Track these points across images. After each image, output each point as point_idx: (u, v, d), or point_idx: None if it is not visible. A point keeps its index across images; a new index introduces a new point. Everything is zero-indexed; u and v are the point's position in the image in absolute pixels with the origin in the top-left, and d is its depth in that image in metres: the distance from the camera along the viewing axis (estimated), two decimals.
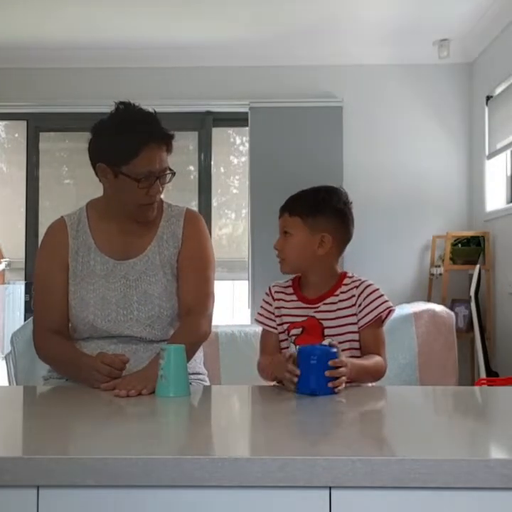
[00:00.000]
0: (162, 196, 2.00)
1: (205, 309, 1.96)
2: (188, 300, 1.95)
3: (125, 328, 1.92)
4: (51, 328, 1.95)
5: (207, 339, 1.98)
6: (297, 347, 1.79)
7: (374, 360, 1.80)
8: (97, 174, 1.95)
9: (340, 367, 1.63)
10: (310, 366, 1.62)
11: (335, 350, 1.68)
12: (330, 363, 1.62)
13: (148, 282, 1.95)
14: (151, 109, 1.93)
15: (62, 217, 2.05)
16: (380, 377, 1.81)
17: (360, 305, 1.85)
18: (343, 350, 1.81)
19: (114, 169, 1.88)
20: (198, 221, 2.06)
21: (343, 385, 1.63)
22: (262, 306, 1.97)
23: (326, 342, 1.80)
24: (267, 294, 1.97)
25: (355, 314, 1.85)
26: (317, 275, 1.89)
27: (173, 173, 1.93)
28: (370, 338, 1.85)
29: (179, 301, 1.97)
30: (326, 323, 1.84)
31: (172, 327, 1.96)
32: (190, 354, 1.83)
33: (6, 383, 3.67)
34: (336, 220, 1.87)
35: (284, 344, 1.92)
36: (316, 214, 1.85)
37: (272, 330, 1.93)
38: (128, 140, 1.85)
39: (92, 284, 1.94)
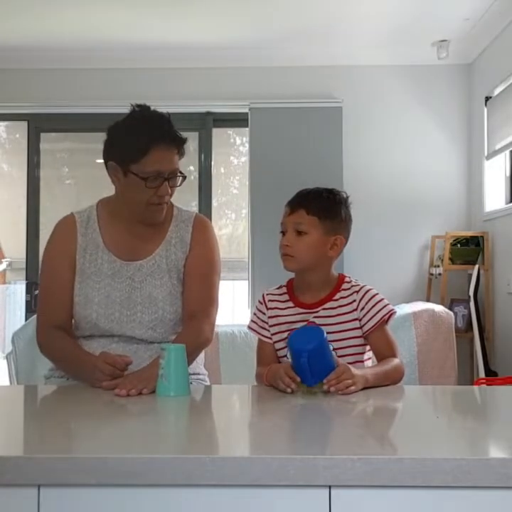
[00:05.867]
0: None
1: (208, 315, 1.96)
2: (192, 305, 1.95)
3: (127, 329, 1.93)
4: (55, 323, 1.95)
5: (208, 345, 1.98)
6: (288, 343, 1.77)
7: (392, 363, 1.80)
8: (109, 173, 1.95)
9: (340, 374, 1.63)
10: (299, 363, 1.62)
11: (326, 335, 1.67)
12: (332, 374, 1.61)
13: (153, 285, 1.95)
14: (165, 112, 1.93)
15: (72, 213, 2.05)
16: (400, 379, 1.81)
17: (362, 309, 1.85)
18: (346, 355, 1.82)
19: (124, 168, 1.88)
20: (207, 227, 2.06)
21: (352, 388, 1.61)
22: (255, 314, 1.96)
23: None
24: (260, 302, 1.96)
25: (357, 319, 1.85)
26: (317, 276, 1.88)
27: (184, 177, 1.93)
28: (380, 341, 1.85)
29: (183, 306, 1.97)
30: (326, 329, 1.82)
31: (174, 331, 1.96)
32: (191, 359, 1.83)
33: (6, 383, 3.68)
34: (346, 224, 1.89)
35: (281, 353, 1.89)
36: (334, 216, 1.86)
37: (266, 340, 1.92)
38: (139, 139, 1.86)
39: (98, 282, 1.95)
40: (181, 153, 1.92)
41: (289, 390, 1.63)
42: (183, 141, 1.92)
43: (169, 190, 1.90)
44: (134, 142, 1.86)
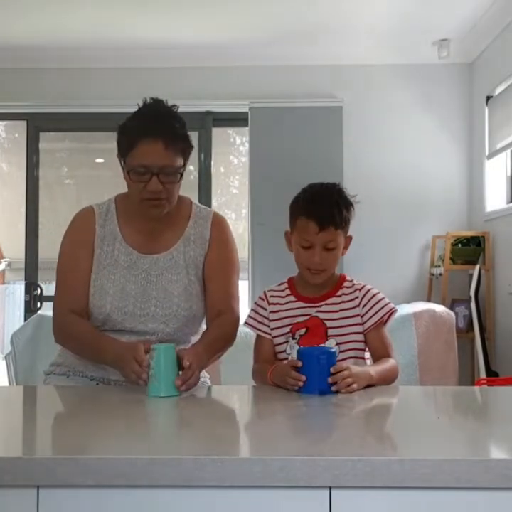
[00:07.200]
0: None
1: (233, 312, 1.97)
2: (217, 304, 1.96)
3: (139, 322, 1.92)
4: (73, 308, 1.93)
5: (234, 341, 1.97)
6: (297, 349, 1.79)
7: (389, 363, 1.82)
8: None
9: (341, 371, 1.63)
10: (311, 367, 1.63)
11: (334, 349, 1.70)
12: (331, 369, 1.63)
13: (169, 280, 1.94)
14: (171, 108, 1.92)
15: (91, 205, 2.04)
16: (395, 380, 1.82)
17: (364, 306, 1.87)
18: (348, 350, 1.84)
19: (121, 161, 1.90)
20: (226, 225, 2.06)
21: (354, 386, 1.62)
22: (254, 310, 1.96)
23: (330, 342, 1.81)
24: (261, 298, 1.96)
25: (359, 315, 1.87)
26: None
27: (181, 174, 1.89)
28: (378, 341, 1.87)
29: (207, 307, 1.98)
30: (329, 323, 1.85)
31: (186, 327, 1.96)
32: (219, 356, 1.91)
33: (6, 383, 3.68)
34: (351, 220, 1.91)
35: (280, 348, 1.90)
36: (348, 220, 1.87)
37: (266, 336, 1.92)
38: (128, 133, 1.87)
39: (114, 273, 1.94)
40: (181, 150, 1.88)
41: (296, 387, 1.63)
42: (172, 135, 1.86)
43: (161, 186, 1.85)
44: (124, 136, 1.88)
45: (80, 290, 1.94)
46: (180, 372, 1.66)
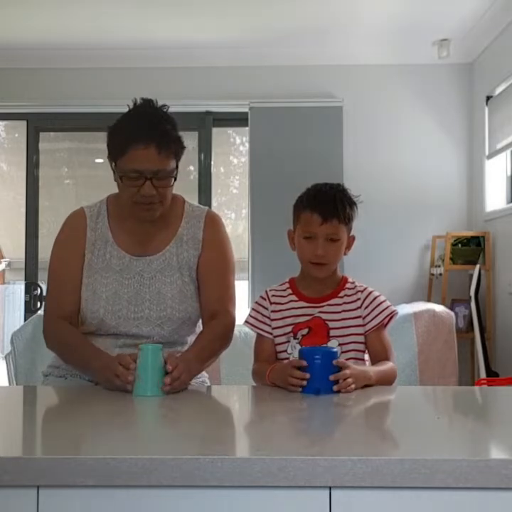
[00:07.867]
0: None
1: (229, 314, 1.95)
2: (212, 306, 1.94)
3: (133, 326, 1.90)
4: (63, 314, 1.92)
5: (229, 344, 1.95)
6: (299, 348, 1.79)
7: (389, 366, 1.83)
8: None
9: (343, 368, 1.64)
10: (314, 366, 1.63)
11: (335, 350, 1.70)
12: (334, 362, 1.64)
13: (162, 282, 1.93)
14: (162, 110, 1.88)
15: (82, 208, 2.02)
16: (393, 382, 1.83)
17: (366, 308, 1.88)
18: (348, 351, 1.84)
19: (112, 164, 1.88)
20: (219, 224, 2.03)
21: (353, 386, 1.63)
22: (255, 310, 1.95)
23: (332, 343, 1.82)
24: (263, 298, 1.95)
25: (360, 316, 1.87)
26: (327, 276, 1.90)
27: (174, 178, 1.87)
28: (378, 343, 1.88)
29: (202, 308, 1.96)
30: (331, 324, 1.85)
31: (182, 329, 1.95)
32: (214, 359, 1.89)
33: (6, 383, 3.68)
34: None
35: (281, 347, 1.90)
36: (351, 217, 1.89)
37: (267, 335, 1.92)
38: (119, 138, 1.84)
39: (106, 278, 1.92)
40: (173, 153, 1.85)
41: (299, 387, 1.63)
42: (164, 139, 1.82)
43: (154, 191, 1.83)
44: (115, 140, 1.85)
45: (70, 296, 1.93)
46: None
